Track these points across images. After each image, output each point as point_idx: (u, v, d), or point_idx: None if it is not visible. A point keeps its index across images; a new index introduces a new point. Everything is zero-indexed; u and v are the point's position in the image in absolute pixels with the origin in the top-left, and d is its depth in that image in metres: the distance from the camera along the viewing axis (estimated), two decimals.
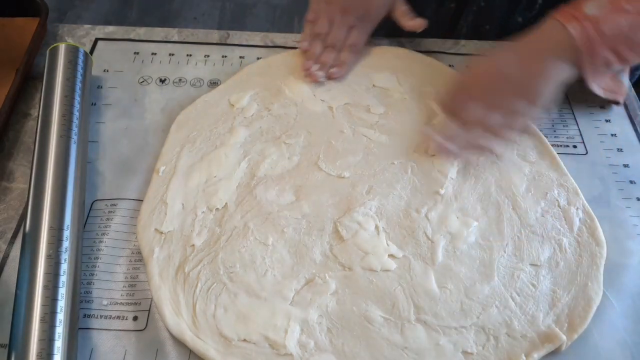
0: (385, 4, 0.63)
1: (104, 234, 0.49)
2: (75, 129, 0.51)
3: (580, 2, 0.50)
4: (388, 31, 0.68)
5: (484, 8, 0.70)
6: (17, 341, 0.39)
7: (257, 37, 0.68)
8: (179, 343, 0.43)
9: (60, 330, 0.40)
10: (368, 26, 0.64)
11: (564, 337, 0.43)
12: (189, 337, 0.42)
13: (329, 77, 0.61)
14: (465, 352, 0.42)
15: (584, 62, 0.49)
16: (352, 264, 0.46)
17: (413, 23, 0.62)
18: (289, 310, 0.44)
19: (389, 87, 0.61)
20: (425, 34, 0.63)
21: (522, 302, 0.45)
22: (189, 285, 0.45)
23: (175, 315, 0.43)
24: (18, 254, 0.45)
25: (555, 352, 0.43)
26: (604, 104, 0.62)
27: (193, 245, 0.47)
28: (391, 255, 0.47)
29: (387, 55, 0.65)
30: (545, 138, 0.56)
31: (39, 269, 0.42)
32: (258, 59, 0.65)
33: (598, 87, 0.56)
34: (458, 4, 0.72)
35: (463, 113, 0.53)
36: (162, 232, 0.48)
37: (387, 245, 0.48)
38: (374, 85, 0.61)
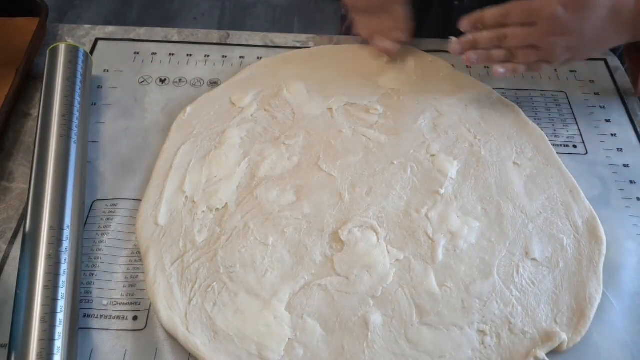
0: None
1: (104, 234, 0.49)
2: (75, 129, 0.51)
3: None
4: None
5: None
6: (17, 341, 0.39)
7: (257, 37, 0.68)
8: (179, 343, 0.43)
9: (60, 330, 0.40)
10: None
11: (565, 336, 0.43)
12: (181, 332, 0.42)
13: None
14: (467, 350, 0.42)
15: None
16: (351, 273, 0.46)
17: None
18: (286, 312, 0.44)
19: (388, 87, 0.61)
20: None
21: (523, 299, 0.45)
22: (186, 281, 0.45)
23: (169, 310, 0.43)
24: (18, 254, 0.45)
25: (555, 352, 0.43)
26: (604, 104, 0.62)
27: (193, 243, 0.47)
28: (394, 262, 0.47)
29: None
30: (545, 137, 0.56)
31: (39, 269, 0.42)
32: (258, 58, 0.65)
33: None
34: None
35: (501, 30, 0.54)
36: (161, 230, 0.48)
37: (387, 252, 0.47)
38: (373, 85, 0.61)
